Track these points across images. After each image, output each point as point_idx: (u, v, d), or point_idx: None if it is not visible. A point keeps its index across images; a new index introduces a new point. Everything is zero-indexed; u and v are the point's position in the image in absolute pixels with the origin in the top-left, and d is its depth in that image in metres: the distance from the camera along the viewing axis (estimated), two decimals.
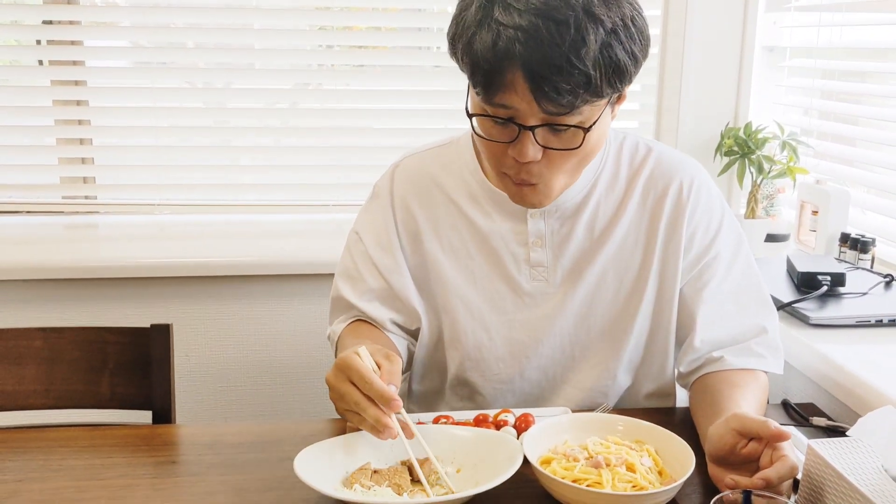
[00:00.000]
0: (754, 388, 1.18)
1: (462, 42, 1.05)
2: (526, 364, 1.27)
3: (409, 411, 1.37)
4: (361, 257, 1.30)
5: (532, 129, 1.04)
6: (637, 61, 1.04)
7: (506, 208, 1.24)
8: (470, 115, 1.10)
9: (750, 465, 0.97)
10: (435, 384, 1.35)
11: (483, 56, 1.01)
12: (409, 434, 1.03)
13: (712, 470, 1.01)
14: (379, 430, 1.00)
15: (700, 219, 1.24)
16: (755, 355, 1.23)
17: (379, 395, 0.99)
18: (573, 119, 1.04)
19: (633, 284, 1.25)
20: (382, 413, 0.99)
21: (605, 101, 1.05)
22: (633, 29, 1.02)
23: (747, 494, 0.87)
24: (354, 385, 1.00)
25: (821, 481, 0.94)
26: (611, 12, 1.00)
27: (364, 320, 1.30)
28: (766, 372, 1.23)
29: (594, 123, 1.06)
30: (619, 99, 1.11)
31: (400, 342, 1.30)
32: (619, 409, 1.26)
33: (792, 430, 1.17)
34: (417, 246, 1.28)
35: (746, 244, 1.29)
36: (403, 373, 1.32)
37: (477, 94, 1.06)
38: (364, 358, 1.03)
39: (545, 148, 1.07)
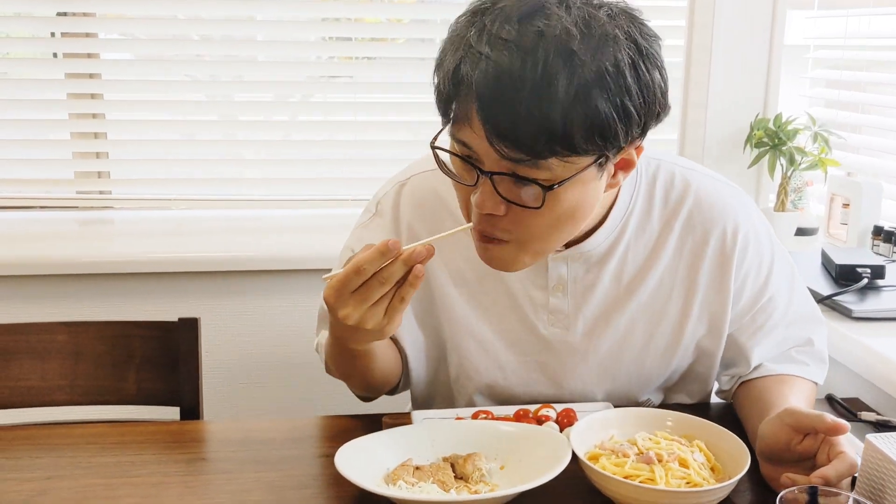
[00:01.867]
0: (802, 385, 1.14)
1: (436, 59, 0.92)
2: (544, 400, 1.17)
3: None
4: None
5: (490, 175, 0.88)
6: (629, 118, 0.86)
7: None
8: (431, 146, 0.94)
9: (805, 462, 0.94)
10: (443, 389, 1.25)
11: (444, 79, 0.89)
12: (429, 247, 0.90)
13: (765, 468, 0.98)
14: (415, 260, 0.87)
15: (749, 267, 1.13)
16: (795, 362, 1.17)
17: (378, 252, 0.86)
18: (538, 174, 0.87)
19: (670, 335, 1.14)
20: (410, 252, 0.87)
21: (584, 159, 0.88)
22: (628, 78, 0.85)
23: (813, 492, 0.84)
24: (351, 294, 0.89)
25: (881, 477, 0.91)
26: (599, 54, 0.83)
27: None
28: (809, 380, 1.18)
29: (560, 184, 0.88)
30: (624, 164, 0.95)
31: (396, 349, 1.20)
32: (664, 405, 1.22)
33: None
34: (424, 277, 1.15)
35: (797, 272, 1.20)
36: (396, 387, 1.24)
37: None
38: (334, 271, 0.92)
39: (508, 202, 0.90)
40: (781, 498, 0.83)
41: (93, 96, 2.07)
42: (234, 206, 2.15)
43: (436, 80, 0.92)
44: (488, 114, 0.84)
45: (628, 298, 1.12)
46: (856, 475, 0.94)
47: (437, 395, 1.25)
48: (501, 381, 1.17)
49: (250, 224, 2.08)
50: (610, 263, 1.11)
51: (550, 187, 0.88)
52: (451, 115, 0.90)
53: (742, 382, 1.19)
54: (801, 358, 1.17)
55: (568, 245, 1.09)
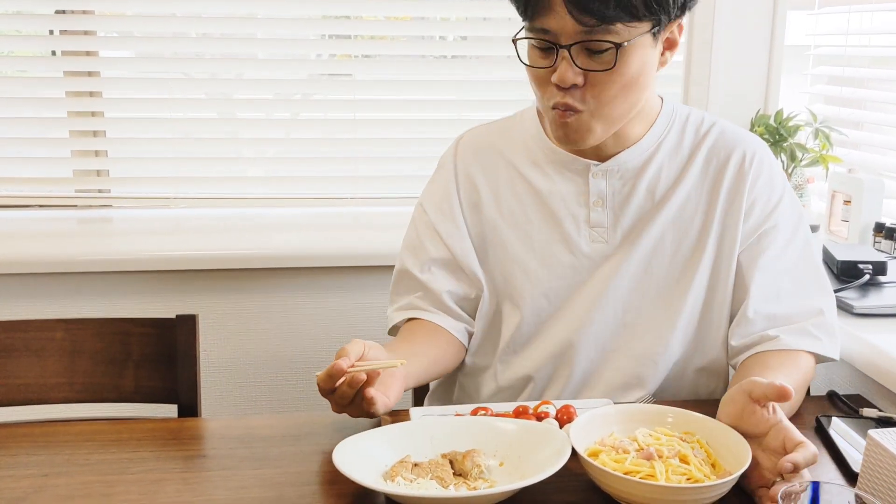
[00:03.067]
0: (791, 370, 1.14)
1: None
2: (579, 328, 1.25)
3: (457, 384, 1.38)
4: (424, 227, 1.33)
5: (568, 48, 1.07)
6: None
7: (568, 168, 1.25)
8: (514, 41, 1.12)
9: (755, 439, 0.96)
10: (486, 358, 1.33)
11: None
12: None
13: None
14: (356, 384, 1.03)
15: (761, 189, 1.24)
16: (811, 336, 1.20)
17: (327, 375, 1.04)
18: (607, 36, 1.06)
19: (692, 250, 1.24)
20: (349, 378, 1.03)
21: (643, 25, 1.07)
22: None
23: (815, 486, 0.83)
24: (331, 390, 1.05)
25: (883, 472, 0.91)
26: None
27: (420, 319, 1.30)
28: (818, 356, 1.20)
29: (628, 42, 1.07)
30: (669, 44, 1.15)
31: (459, 330, 1.31)
32: (662, 399, 1.21)
33: (838, 422, 1.13)
34: (477, 214, 1.30)
35: (807, 226, 1.27)
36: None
37: (522, 20, 1.11)
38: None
39: (584, 70, 1.09)
40: (786, 492, 0.82)
41: (91, 94, 2.06)
42: (234, 204, 2.15)
43: None
44: None
45: (659, 211, 1.24)
46: (857, 470, 0.94)
47: (489, 339, 1.33)
48: (546, 306, 1.27)
49: (250, 222, 2.08)
50: (644, 177, 1.24)
51: (621, 45, 1.06)
52: (531, 10, 1.08)
53: (749, 357, 1.21)
54: (816, 332, 1.20)
55: (606, 159, 1.23)
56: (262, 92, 2.12)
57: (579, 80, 1.09)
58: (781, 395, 0.93)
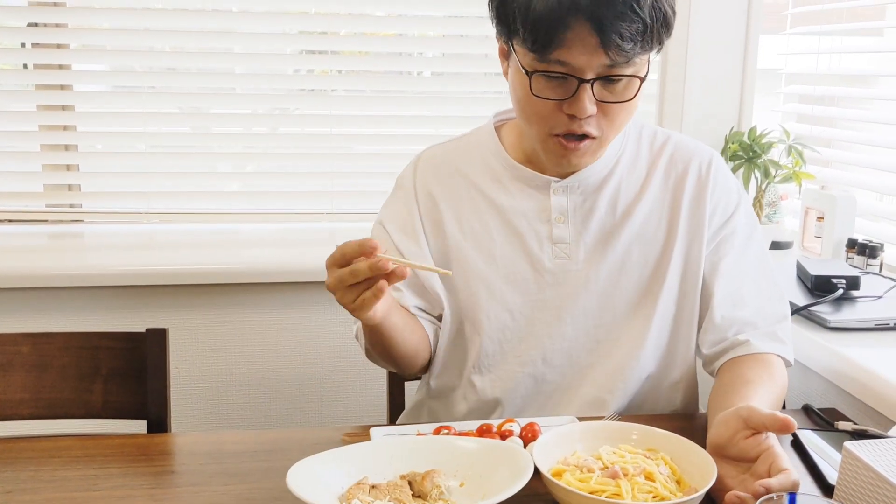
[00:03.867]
0: (770, 385, 1.14)
1: (516, 4, 1.07)
2: (549, 345, 1.25)
3: (425, 408, 1.35)
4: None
5: (591, 82, 1.08)
6: (674, 17, 1.10)
7: (529, 184, 1.25)
8: (529, 74, 1.10)
9: (742, 463, 0.95)
10: (452, 379, 1.31)
11: (545, 13, 1.04)
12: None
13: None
14: (380, 269, 0.99)
15: (720, 196, 1.26)
16: (778, 341, 1.22)
17: (358, 244, 1.00)
18: (628, 69, 1.08)
19: (658, 262, 1.25)
20: (376, 260, 0.99)
21: (649, 55, 1.10)
22: None
23: (792, 497, 0.82)
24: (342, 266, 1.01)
25: (859, 484, 0.91)
26: None
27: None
28: (785, 360, 1.22)
29: (646, 75, 1.11)
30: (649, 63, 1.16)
31: (428, 326, 1.30)
32: (626, 417, 1.21)
33: (813, 436, 1.13)
34: (439, 233, 1.28)
35: (761, 233, 1.30)
36: (428, 364, 1.32)
37: (531, 53, 1.08)
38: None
39: (600, 102, 1.10)
40: (765, 501, 0.82)
41: (64, 108, 2.04)
42: (207, 220, 2.12)
43: (524, 21, 1.07)
44: (601, 26, 1.03)
45: (623, 226, 1.25)
46: (833, 483, 0.94)
47: (453, 358, 1.32)
48: (510, 322, 1.26)
49: (223, 237, 2.06)
50: (605, 192, 1.25)
51: (644, 78, 1.11)
52: (554, 43, 1.06)
53: (725, 364, 1.22)
54: (783, 336, 1.23)
55: (566, 177, 1.24)
56: (237, 107, 2.11)
57: (594, 109, 1.10)
58: (784, 429, 0.92)
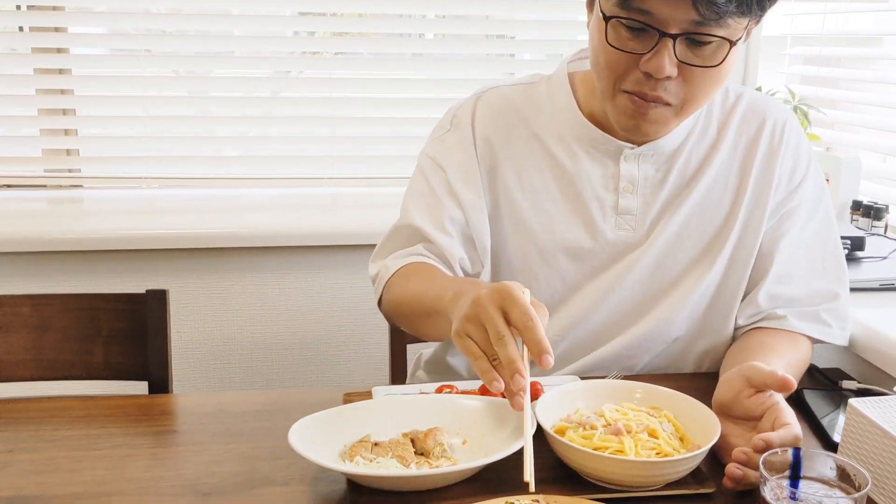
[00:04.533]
0: (788, 356, 1.11)
1: None
2: (592, 310, 1.20)
3: (444, 363, 1.31)
4: (442, 186, 1.20)
5: (674, 37, 0.98)
6: None
7: (598, 148, 1.17)
8: (606, 19, 1.01)
9: (748, 421, 0.94)
10: None
11: None
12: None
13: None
14: (508, 374, 0.85)
15: (790, 163, 1.19)
16: (820, 322, 1.18)
17: (537, 342, 0.85)
18: (720, 30, 0.98)
19: (717, 232, 1.18)
20: (518, 358, 0.86)
21: (746, 20, 0.99)
22: None
23: (796, 452, 0.82)
24: (505, 318, 0.87)
25: (864, 440, 0.90)
26: None
27: (424, 263, 1.17)
28: (823, 342, 1.18)
29: (739, 39, 1.00)
30: (748, 34, 1.05)
31: None
32: (631, 377, 1.19)
33: (818, 395, 1.13)
34: (494, 183, 1.20)
35: (830, 203, 1.23)
36: None
37: None
38: (526, 297, 0.90)
39: (682, 63, 1.00)
40: (764, 460, 0.81)
41: (61, 71, 2.02)
42: (208, 185, 2.11)
43: None
44: None
45: (688, 194, 1.18)
46: (837, 440, 0.93)
47: None
48: (560, 288, 1.20)
49: (224, 203, 2.04)
50: (678, 161, 1.18)
51: (734, 43, 0.99)
52: None
53: (757, 327, 1.19)
54: (827, 318, 1.18)
55: (641, 143, 1.15)
56: (237, 70, 2.09)
57: (675, 71, 1.00)
58: (784, 387, 0.91)
